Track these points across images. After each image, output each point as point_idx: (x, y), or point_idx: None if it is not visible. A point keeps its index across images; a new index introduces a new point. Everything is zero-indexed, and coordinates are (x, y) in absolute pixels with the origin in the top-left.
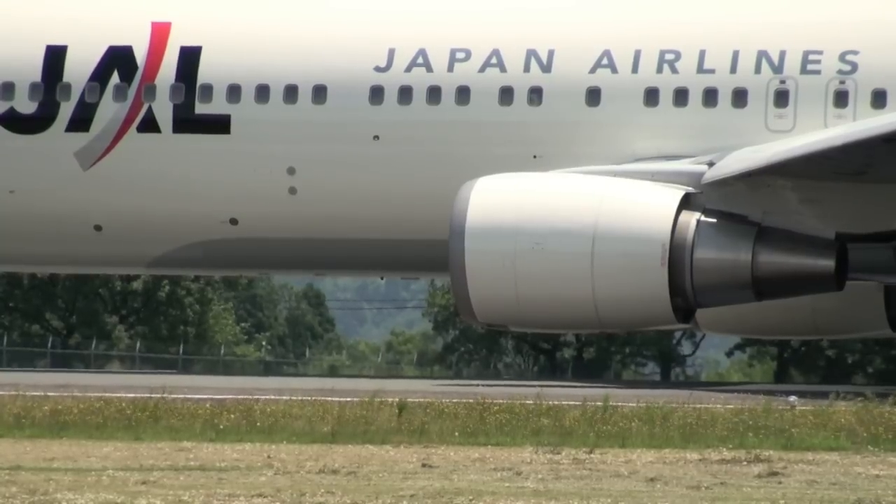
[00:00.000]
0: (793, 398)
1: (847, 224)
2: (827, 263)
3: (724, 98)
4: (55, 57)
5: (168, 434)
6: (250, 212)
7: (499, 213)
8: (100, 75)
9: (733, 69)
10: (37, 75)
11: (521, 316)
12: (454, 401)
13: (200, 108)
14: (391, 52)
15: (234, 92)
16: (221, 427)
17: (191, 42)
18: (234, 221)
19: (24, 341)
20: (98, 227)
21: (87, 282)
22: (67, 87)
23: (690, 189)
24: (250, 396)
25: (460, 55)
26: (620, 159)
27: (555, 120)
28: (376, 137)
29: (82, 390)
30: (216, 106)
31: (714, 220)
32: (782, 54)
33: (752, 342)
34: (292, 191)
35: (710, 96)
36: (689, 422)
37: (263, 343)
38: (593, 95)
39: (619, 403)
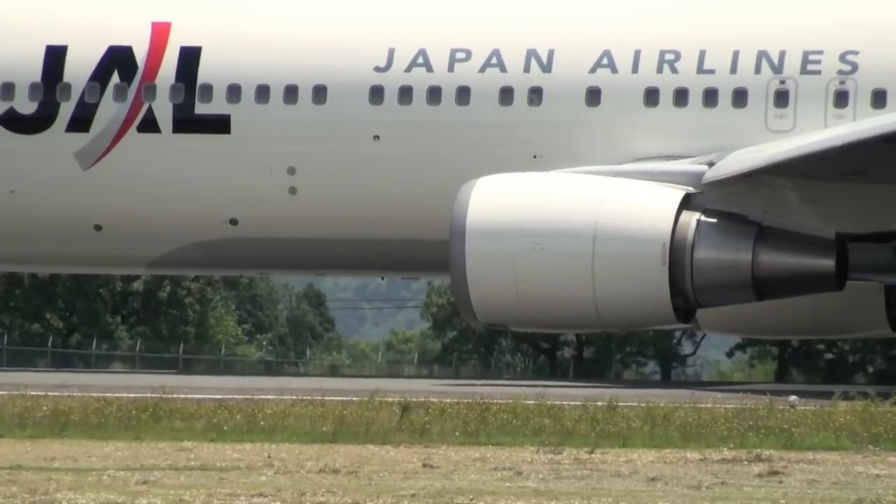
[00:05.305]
0: (793, 398)
1: (847, 224)
2: (827, 263)
3: (725, 98)
4: (55, 57)
5: (169, 434)
6: (250, 212)
7: (499, 214)
8: (100, 75)
9: (733, 69)
10: (37, 75)
11: (521, 316)
12: (455, 401)
13: (200, 108)
14: (391, 52)
15: (234, 92)
16: (222, 427)
17: (191, 42)
18: (234, 222)
19: (25, 341)
20: (98, 227)
21: (87, 282)
22: (67, 87)
23: (691, 189)
24: (251, 396)
25: (460, 55)
26: (621, 159)
27: (555, 120)
28: (376, 137)
29: (83, 390)
30: (216, 106)
31: (714, 220)
32: (782, 54)
33: (753, 342)
34: (292, 191)
35: (711, 96)
36: (690, 421)
37: (264, 343)
38: (593, 95)
39: (620, 403)
